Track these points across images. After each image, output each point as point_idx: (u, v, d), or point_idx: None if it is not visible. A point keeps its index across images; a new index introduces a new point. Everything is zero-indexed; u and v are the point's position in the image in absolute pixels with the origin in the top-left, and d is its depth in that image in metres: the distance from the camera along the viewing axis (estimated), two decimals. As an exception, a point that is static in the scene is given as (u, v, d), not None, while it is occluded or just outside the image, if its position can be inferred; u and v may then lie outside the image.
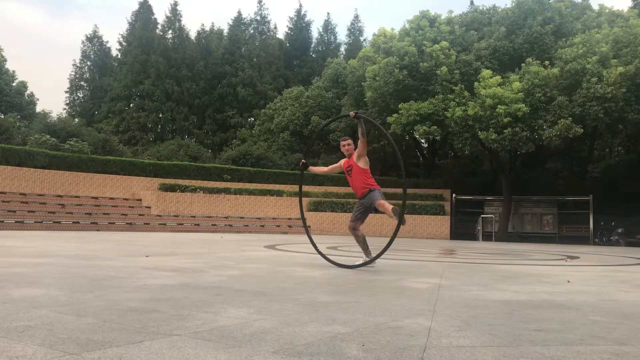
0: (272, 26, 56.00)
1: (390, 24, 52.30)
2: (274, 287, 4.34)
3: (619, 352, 2.39)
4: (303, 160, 6.78)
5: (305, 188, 28.47)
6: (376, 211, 6.21)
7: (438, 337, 2.55)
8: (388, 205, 5.93)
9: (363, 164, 6.28)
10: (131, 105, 47.99)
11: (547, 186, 30.59)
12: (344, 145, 6.42)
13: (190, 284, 4.37)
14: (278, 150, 35.02)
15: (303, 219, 7.25)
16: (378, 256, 6.21)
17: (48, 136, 25.71)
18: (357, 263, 6.35)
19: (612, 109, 21.30)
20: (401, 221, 5.67)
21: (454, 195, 28.32)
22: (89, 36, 53.49)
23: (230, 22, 50.88)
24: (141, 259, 6.90)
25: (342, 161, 6.55)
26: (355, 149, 6.37)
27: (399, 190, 29.37)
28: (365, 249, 6.40)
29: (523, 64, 23.65)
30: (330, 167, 6.96)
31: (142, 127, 46.15)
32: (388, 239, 6.01)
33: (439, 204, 27.79)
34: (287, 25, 58.07)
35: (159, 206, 23.81)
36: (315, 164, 33.44)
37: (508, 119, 22.07)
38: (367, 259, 6.33)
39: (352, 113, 6.27)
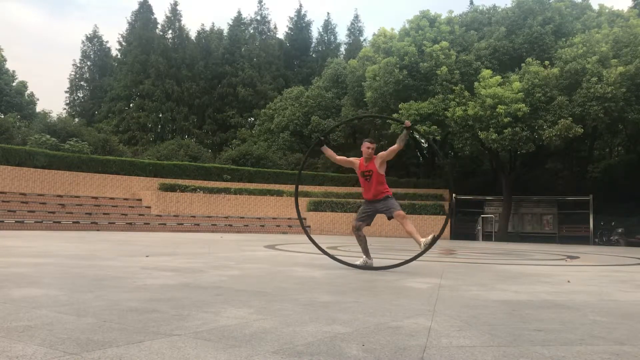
0: (272, 26, 56.03)
1: (390, 24, 52.32)
2: (274, 287, 4.34)
3: (619, 352, 2.39)
4: (321, 137, 6.64)
5: (305, 188, 28.46)
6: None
7: (438, 337, 2.55)
8: (413, 228, 6.01)
9: (382, 170, 6.22)
10: (131, 105, 47.99)
11: (547, 186, 30.59)
12: (368, 147, 6.21)
13: (190, 284, 4.37)
14: (278, 150, 35.01)
15: (300, 219, 7.14)
16: (390, 267, 6.20)
17: (48, 136, 25.70)
18: (357, 263, 6.36)
19: (612, 109, 21.30)
20: (430, 246, 5.79)
21: (454, 195, 28.31)
22: (89, 36, 53.50)
23: (230, 22, 50.89)
24: (141, 259, 6.90)
25: (357, 161, 6.38)
26: (376, 154, 6.28)
27: (399, 190, 29.38)
28: (365, 250, 6.38)
29: (523, 64, 23.65)
30: (342, 158, 6.72)
31: (142, 127, 46.14)
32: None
33: (439, 204, 27.79)
34: (287, 25, 58.10)
35: (159, 206, 23.81)
36: (315, 164, 33.50)
37: (508, 119, 22.06)
38: (367, 260, 6.33)
39: (407, 122, 6.15)
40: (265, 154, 33.12)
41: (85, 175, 23.57)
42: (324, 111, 33.94)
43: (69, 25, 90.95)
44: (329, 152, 6.57)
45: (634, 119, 22.07)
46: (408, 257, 6.43)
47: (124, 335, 2.37)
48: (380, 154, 6.24)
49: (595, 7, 27.40)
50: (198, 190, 25.52)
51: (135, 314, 2.88)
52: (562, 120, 21.46)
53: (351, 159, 6.57)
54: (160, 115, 47.01)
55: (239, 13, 51.73)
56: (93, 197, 22.95)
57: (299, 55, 53.04)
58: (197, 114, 48.09)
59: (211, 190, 25.83)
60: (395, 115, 24.81)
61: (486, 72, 23.49)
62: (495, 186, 29.95)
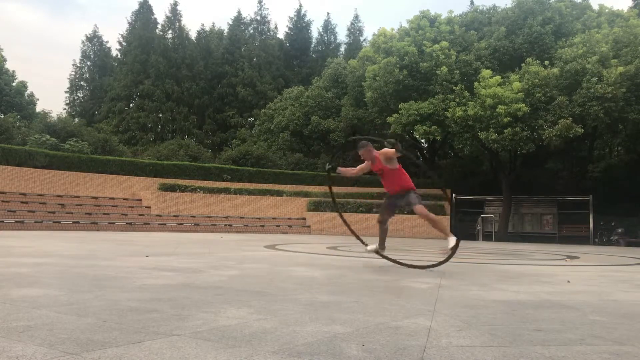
0: (272, 26, 56.04)
1: (390, 24, 52.26)
2: (274, 287, 4.34)
3: (619, 352, 2.39)
4: (329, 165, 6.60)
5: (305, 188, 28.45)
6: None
7: (438, 337, 2.55)
8: (437, 219, 6.55)
9: (392, 164, 6.27)
10: (131, 105, 47.97)
11: (547, 186, 30.57)
12: (361, 154, 6.36)
13: (190, 284, 4.37)
14: (278, 150, 35.00)
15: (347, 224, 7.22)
16: (438, 264, 6.24)
17: (48, 136, 25.68)
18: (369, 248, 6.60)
19: (612, 109, 21.30)
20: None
21: (454, 195, 28.31)
22: (89, 36, 53.48)
23: (230, 22, 50.91)
24: (141, 259, 6.90)
25: (367, 164, 6.43)
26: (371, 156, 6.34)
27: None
28: (382, 240, 6.64)
29: (523, 64, 23.64)
30: (359, 167, 6.61)
31: (142, 127, 46.13)
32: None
33: (439, 204, 27.75)
34: (287, 25, 58.06)
35: (159, 206, 23.80)
36: (315, 164, 33.44)
37: (508, 119, 22.06)
38: (379, 249, 6.59)
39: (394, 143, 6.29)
40: (265, 154, 33.10)
41: (85, 175, 23.56)
42: (324, 111, 33.93)
43: (69, 25, 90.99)
44: (348, 172, 6.63)
45: (634, 119, 22.06)
46: (406, 257, 6.44)
47: (124, 335, 2.37)
48: (383, 151, 6.23)
49: (595, 7, 27.41)
50: (198, 190, 25.51)
51: (135, 314, 2.88)
52: (562, 120, 21.45)
53: (363, 165, 6.53)
54: (160, 115, 47.00)
55: (239, 13, 51.75)
56: (93, 197, 22.94)
57: (299, 55, 53.02)
58: (197, 114, 48.08)
59: (211, 190, 25.82)
60: (395, 116, 24.81)
61: (486, 72, 23.48)
62: (495, 186, 29.93)
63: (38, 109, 36.56)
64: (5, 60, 34.58)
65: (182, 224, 22.98)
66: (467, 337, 2.59)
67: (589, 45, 22.37)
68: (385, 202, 6.58)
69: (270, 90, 46.00)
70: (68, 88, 52.17)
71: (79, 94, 52.83)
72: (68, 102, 51.93)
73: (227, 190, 26.13)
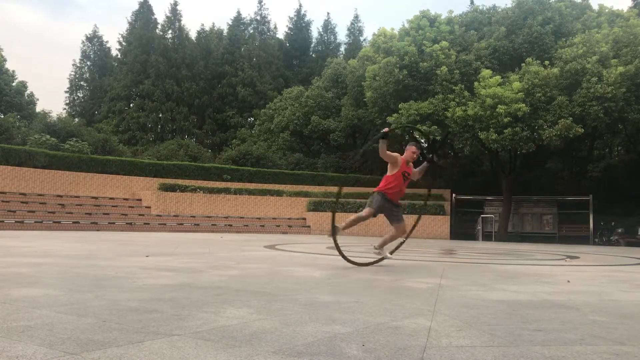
0: (272, 26, 56.04)
1: (390, 24, 52.24)
2: (274, 287, 4.34)
3: (619, 352, 2.39)
4: (386, 129, 6.27)
5: (305, 188, 28.44)
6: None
7: (438, 337, 2.55)
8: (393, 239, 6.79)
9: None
10: (131, 105, 47.97)
11: (547, 186, 30.57)
12: (414, 153, 6.52)
13: (190, 284, 4.37)
14: (278, 150, 34.99)
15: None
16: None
17: (48, 136, 25.69)
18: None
19: (612, 109, 21.30)
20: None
21: (454, 195, 28.31)
22: (89, 36, 53.48)
23: (230, 22, 50.93)
24: (141, 259, 6.90)
25: (401, 159, 6.44)
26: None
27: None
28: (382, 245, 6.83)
29: (523, 64, 23.63)
30: (390, 153, 6.43)
31: (142, 127, 46.12)
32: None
33: (439, 204, 27.75)
34: (287, 25, 58.11)
35: (159, 206, 23.80)
36: (315, 164, 33.44)
37: (508, 119, 22.05)
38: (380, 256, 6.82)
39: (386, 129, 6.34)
40: (265, 154, 33.10)
41: (85, 175, 23.56)
42: (324, 111, 33.93)
43: (69, 25, 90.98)
44: (383, 148, 6.34)
45: (634, 119, 22.06)
46: (406, 257, 6.45)
47: (124, 335, 2.37)
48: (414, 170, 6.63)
49: (595, 7, 27.40)
50: (198, 190, 25.51)
51: (135, 314, 2.88)
52: (562, 120, 21.45)
53: (395, 154, 6.51)
54: (160, 115, 46.99)
55: (239, 13, 51.77)
56: (93, 197, 22.94)
57: (299, 55, 53.03)
58: (197, 114, 48.08)
59: (211, 190, 25.81)
60: (395, 116, 24.81)
61: (486, 72, 23.47)
62: (495, 186, 29.93)
63: (38, 109, 36.59)
64: (5, 60, 34.56)
65: (182, 224, 22.98)
66: (467, 337, 2.59)
67: (589, 45, 22.36)
68: (383, 203, 6.45)
69: (270, 90, 46.00)
70: (68, 88, 52.19)
71: (79, 94, 52.83)
72: (68, 102, 51.95)
73: (227, 190, 26.13)
